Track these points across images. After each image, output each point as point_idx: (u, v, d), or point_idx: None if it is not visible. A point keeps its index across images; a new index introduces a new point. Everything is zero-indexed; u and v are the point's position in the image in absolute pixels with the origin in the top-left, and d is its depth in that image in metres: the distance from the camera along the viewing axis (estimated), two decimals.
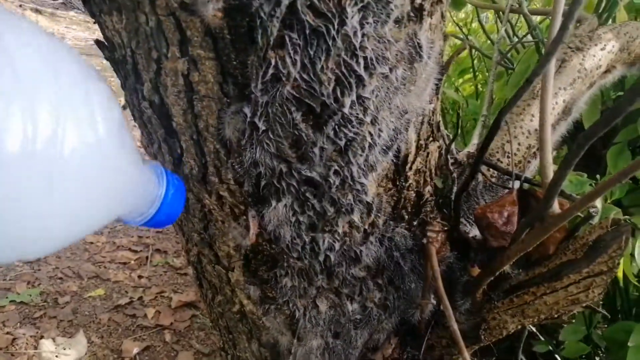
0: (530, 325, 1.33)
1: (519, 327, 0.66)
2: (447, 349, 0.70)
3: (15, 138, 0.22)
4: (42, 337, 1.66)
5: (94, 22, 0.50)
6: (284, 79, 0.44)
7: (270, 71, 0.44)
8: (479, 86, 1.62)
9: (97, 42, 0.53)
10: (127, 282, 1.98)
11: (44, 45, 0.26)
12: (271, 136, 0.49)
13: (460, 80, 1.70)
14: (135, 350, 1.67)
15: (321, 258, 0.62)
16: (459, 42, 1.57)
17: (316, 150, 0.50)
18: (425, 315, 0.68)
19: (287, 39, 0.42)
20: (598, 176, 0.88)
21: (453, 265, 0.67)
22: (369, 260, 0.64)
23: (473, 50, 1.48)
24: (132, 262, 2.08)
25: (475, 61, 1.55)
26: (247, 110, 0.47)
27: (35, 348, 1.61)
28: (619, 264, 0.58)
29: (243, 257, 0.64)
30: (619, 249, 0.57)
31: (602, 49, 0.70)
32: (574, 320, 1.29)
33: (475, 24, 1.58)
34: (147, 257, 2.11)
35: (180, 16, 0.41)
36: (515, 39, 1.08)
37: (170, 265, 2.09)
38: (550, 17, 0.56)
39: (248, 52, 0.43)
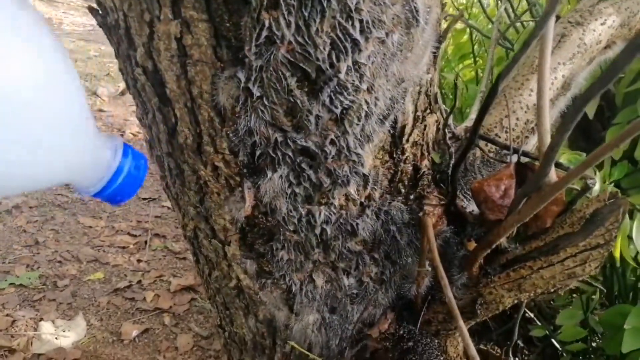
0: (527, 310, 1.33)
1: (515, 301, 0.66)
2: (443, 324, 0.70)
3: None
4: (41, 319, 1.66)
5: None
6: (278, 41, 0.44)
7: (264, 33, 0.43)
8: (479, 71, 1.61)
9: (90, 8, 0.52)
10: (126, 266, 1.98)
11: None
12: (266, 103, 0.49)
13: (460, 66, 1.70)
14: (135, 333, 1.67)
15: (317, 231, 0.62)
16: (460, 27, 1.56)
17: (312, 118, 0.50)
18: (422, 290, 0.68)
19: None
20: None
21: (449, 239, 0.67)
22: (365, 234, 0.64)
23: (473, 35, 1.47)
24: (131, 246, 2.08)
25: (476, 46, 1.54)
26: (241, 75, 0.47)
27: (35, 330, 1.62)
28: (616, 236, 0.57)
29: (239, 230, 0.64)
30: (616, 222, 0.57)
31: (602, 24, 0.69)
32: (570, 307, 1.30)
33: (475, 9, 1.57)
34: (145, 242, 2.11)
35: None
36: (515, 19, 1.07)
37: (169, 249, 2.09)
38: None
39: (241, 13, 0.43)
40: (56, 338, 1.61)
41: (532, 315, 1.37)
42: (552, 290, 0.64)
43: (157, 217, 2.28)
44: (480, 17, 1.62)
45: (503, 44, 1.01)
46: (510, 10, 1.08)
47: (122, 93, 3.24)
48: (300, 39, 0.44)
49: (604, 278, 1.20)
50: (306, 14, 0.42)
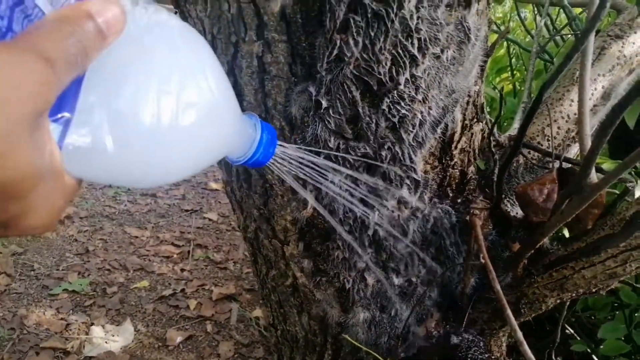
0: (567, 327, 1.32)
1: (558, 301, 0.69)
2: (488, 323, 0.74)
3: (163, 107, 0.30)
4: (92, 324, 1.75)
5: (175, 12, 0.57)
6: (346, 58, 0.50)
7: (335, 52, 0.49)
8: (517, 84, 1.64)
9: None
10: (170, 275, 2.06)
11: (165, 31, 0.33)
12: (331, 113, 0.55)
13: (498, 79, 1.73)
14: (179, 339, 1.74)
15: (370, 232, 0.68)
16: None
17: (372, 126, 0.56)
18: (467, 289, 0.72)
19: (351, 21, 0.48)
20: (638, 164, 0.90)
21: (494, 241, 0.71)
22: (415, 235, 0.69)
23: (511, 49, 1.51)
24: (175, 255, 2.17)
25: (513, 60, 1.58)
26: (312, 89, 0.53)
27: (87, 334, 1.71)
28: None
29: (298, 230, 0.70)
30: None
31: None
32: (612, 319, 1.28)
33: (512, 23, 1.61)
34: (188, 252, 2.19)
35: (259, 3, 0.47)
36: (554, 33, 1.11)
37: (211, 259, 2.17)
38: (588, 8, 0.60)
39: (316, 35, 0.49)
40: (106, 342, 1.69)
41: (572, 331, 1.35)
42: (593, 290, 0.67)
43: (199, 228, 2.37)
44: (517, 30, 1.65)
45: (542, 57, 1.05)
46: (549, 24, 1.12)
47: None
48: (365, 56, 0.50)
49: None
50: (372, 34, 0.48)
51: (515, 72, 1.49)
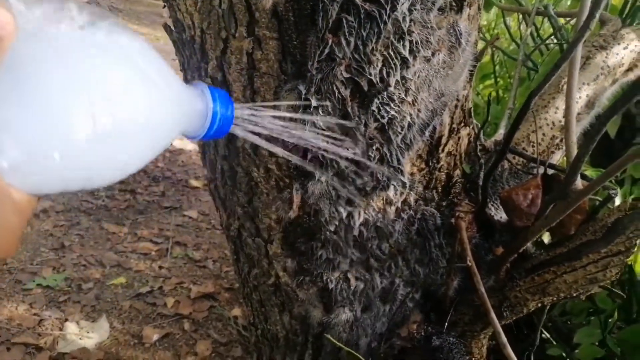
0: (544, 331, 1.34)
1: (539, 304, 0.70)
2: (469, 325, 0.75)
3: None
4: (66, 320, 1.72)
5: (164, 7, 0.56)
6: (338, 58, 0.50)
7: (327, 51, 0.49)
8: (500, 92, 1.66)
9: (165, 25, 0.59)
10: (147, 272, 2.03)
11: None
12: (321, 112, 0.54)
13: (481, 86, 1.75)
14: (155, 337, 1.72)
15: (355, 232, 0.67)
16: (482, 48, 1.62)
17: (360, 126, 0.56)
18: (450, 292, 0.73)
19: (343, 21, 0.47)
20: (619, 174, 0.92)
21: (478, 245, 0.71)
22: (399, 237, 0.69)
23: (495, 56, 1.53)
24: (153, 253, 2.14)
25: (497, 67, 1.60)
26: (301, 88, 0.52)
27: (60, 330, 1.67)
28: (636, 244, 0.62)
29: (283, 229, 0.69)
30: (636, 230, 0.61)
31: (624, 48, 0.75)
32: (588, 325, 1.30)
33: (497, 31, 1.63)
34: (167, 249, 2.16)
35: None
36: (540, 41, 1.13)
37: (190, 257, 2.14)
38: (575, 18, 0.61)
39: (308, 34, 0.49)
40: (80, 338, 1.66)
41: (549, 336, 1.37)
42: (574, 294, 0.68)
43: (178, 225, 2.34)
44: (502, 38, 1.67)
45: (526, 65, 1.07)
46: (535, 33, 1.14)
47: None
48: (357, 56, 0.50)
49: (623, 298, 1.21)
50: (364, 35, 0.48)
51: (498, 79, 1.50)
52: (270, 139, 0.48)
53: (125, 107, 0.32)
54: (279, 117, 0.50)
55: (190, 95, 0.40)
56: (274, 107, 0.53)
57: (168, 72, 0.37)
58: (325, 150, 0.57)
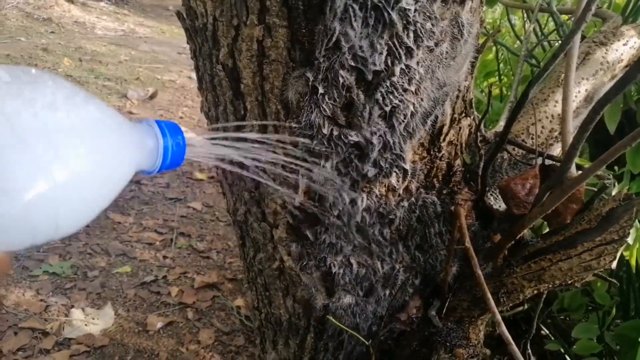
0: (542, 326, 1.36)
1: (535, 292, 0.72)
2: (467, 311, 0.77)
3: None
4: (72, 306, 1.74)
5: None
6: (344, 47, 0.52)
7: (334, 39, 0.51)
8: (504, 89, 1.67)
9: (178, 13, 0.61)
10: (152, 262, 2.06)
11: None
12: (327, 99, 0.57)
13: (485, 83, 1.77)
14: (159, 325, 1.75)
15: (358, 218, 0.70)
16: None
17: (365, 113, 0.58)
18: (449, 278, 0.75)
19: (351, 11, 0.49)
20: (616, 168, 0.94)
21: (477, 233, 0.74)
22: (400, 223, 0.71)
23: (499, 53, 1.55)
24: (158, 243, 2.16)
25: (501, 65, 1.62)
26: (309, 75, 0.55)
27: (66, 316, 1.70)
28: (629, 233, 0.64)
29: (288, 213, 0.72)
30: (630, 220, 0.63)
31: (624, 44, 0.77)
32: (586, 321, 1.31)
33: (502, 29, 1.64)
34: (171, 239, 2.19)
35: None
36: (543, 38, 1.15)
37: (194, 248, 2.17)
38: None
39: (317, 22, 0.51)
40: (86, 325, 1.69)
41: (547, 332, 1.39)
42: (569, 281, 0.70)
43: (182, 216, 2.37)
44: (507, 36, 1.69)
45: (529, 61, 1.09)
46: (538, 30, 1.16)
47: (151, 97, 3.35)
48: (363, 45, 0.52)
49: (620, 294, 1.23)
50: (371, 24, 0.50)
51: (502, 77, 1.52)
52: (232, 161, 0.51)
53: (79, 162, 0.33)
54: (241, 139, 0.52)
55: (140, 135, 0.41)
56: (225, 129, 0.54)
57: (115, 116, 0.38)
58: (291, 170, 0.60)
